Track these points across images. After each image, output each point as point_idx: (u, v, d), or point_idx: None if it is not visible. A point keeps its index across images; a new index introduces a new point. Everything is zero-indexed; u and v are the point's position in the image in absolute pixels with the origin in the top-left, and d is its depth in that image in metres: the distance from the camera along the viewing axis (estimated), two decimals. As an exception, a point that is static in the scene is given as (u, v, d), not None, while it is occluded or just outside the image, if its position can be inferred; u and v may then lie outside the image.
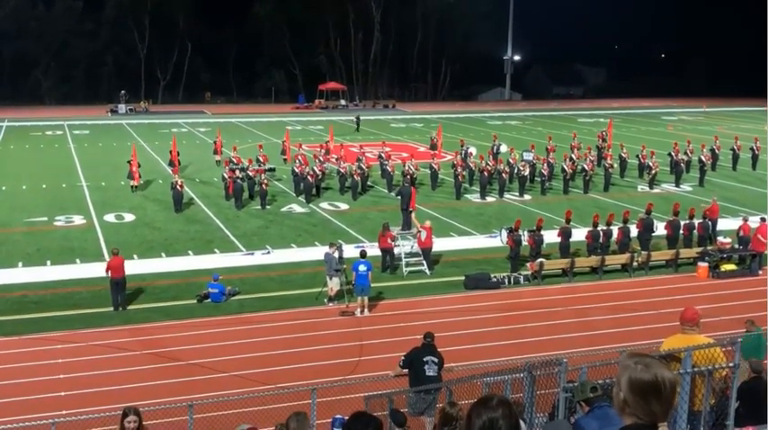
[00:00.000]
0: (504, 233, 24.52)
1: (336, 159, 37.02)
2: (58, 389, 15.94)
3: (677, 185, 36.94)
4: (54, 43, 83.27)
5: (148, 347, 18.16)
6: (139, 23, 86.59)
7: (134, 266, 22.65)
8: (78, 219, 30.11)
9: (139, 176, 35.47)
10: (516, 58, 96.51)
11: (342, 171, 35.11)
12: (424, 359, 13.70)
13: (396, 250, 24.01)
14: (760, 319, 18.97)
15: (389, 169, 35.99)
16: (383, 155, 38.00)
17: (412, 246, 24.59)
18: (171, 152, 39.25)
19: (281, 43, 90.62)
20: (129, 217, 30.52)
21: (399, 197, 29.47)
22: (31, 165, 42.24)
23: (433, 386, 13.22)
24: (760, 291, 22.27)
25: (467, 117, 68.34)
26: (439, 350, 14.13)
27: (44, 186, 36.34)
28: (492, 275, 22.93)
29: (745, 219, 25.75)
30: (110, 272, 20.50)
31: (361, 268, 20.27)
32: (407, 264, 23.90)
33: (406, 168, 34.09)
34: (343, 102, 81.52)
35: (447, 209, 32.22)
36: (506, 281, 22.90)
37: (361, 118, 62.01)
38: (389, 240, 23.65)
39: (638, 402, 3.02)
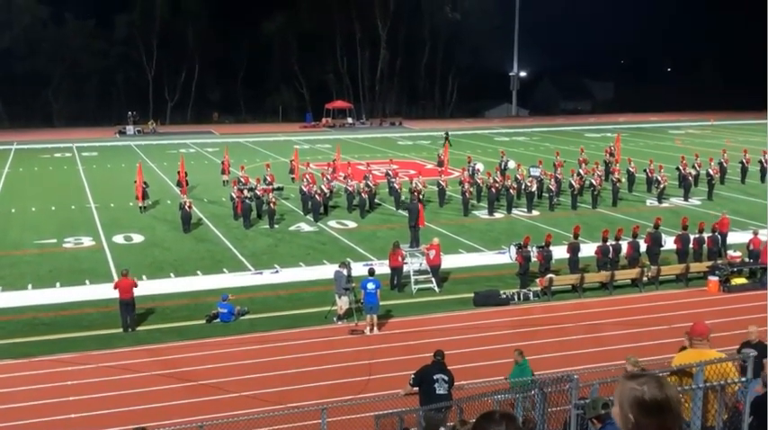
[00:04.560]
0: (513, 249, 24.47)
1: (344, 177, 37.10)
2: (68, 411, 15.95)
3: (686, 199, 36.85)
4: (65, 63, 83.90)
5: (159, 368, 18.16)
6: (148, 43, 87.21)
7: (143, 287, 22.66)
8: (87, 241, 30.21)
9: (144, 196, 35.50)
10: (522, 74, 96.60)
11: (349, 189, 35.17)
12: (435, 377, 13.66)
13: (404, 268, 23.98)
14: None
15: (397, 187, 36.04)
16: (390, 172, 38.06)
17: (421, 264, 24.56)
18: (179, 173, 39.40)
19: (288, 60, 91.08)
20: (137, 237, 30.60)
21: (407, 213, 29.53)
22: (41, 187, 42.44)
23: (444, 404, 13.16)
24: (771, 304, 22.16)
25: (474, 133, 68.42)
26: (449, 368, 14.09)
27: (53, 208, 36.51)
28: (501, 292, 22.88)
29: (755, 233, 25.66)
30: (118, 292, 20.57)
31: (370, 286, 20.27)
32: (416, 282, 23.87)
33: (414, 185, 34.14)
34: (350, 120, 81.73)
35: (455, 225, 32.20)
36: (516, 297, 22.85)
37: (372, 135, 62.09)
38: (400, 258, 23.64)
39: (649, 422, 3.03)
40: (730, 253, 25.36)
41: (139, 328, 20.73)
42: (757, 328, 14.15)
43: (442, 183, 36.42)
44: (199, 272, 25.89)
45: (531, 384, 13.58)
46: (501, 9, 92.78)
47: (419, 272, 24.30)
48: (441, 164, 43.84)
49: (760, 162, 41.63)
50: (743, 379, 7.43)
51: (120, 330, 20.45)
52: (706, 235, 25.67)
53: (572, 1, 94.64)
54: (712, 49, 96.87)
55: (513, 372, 15.18)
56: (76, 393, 16.74)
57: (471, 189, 35.44)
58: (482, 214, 34.43)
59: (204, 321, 21.13)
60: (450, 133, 61.91)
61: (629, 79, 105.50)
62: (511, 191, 34.83)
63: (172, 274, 25.61)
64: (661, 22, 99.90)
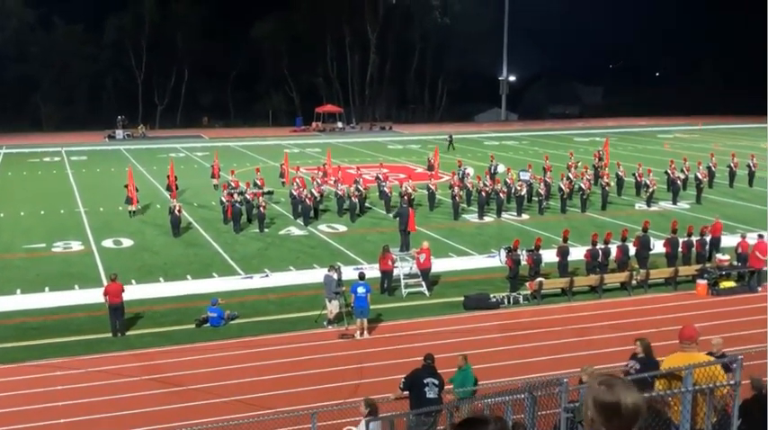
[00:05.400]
0: (503, 253, 24.53)
1: (334, 181, 37.11)
2: (57, 416, 15.87)
3: (674, 203, 37.01)
4: (54, 67, 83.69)
5: (148, 373, 18.10)
6: (137, 46, 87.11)
7: (133, 291, 22.62)
8: (76, 245, 30.09)
9: (137, 200, 35.51)
10: (512, 78, 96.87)
11: (339, 193, 35.17)
12: (425, 381, 13.66)
13: (395, 271, 24.00)
14: (759, 336, 19.00)
15: (387, 191, 36.06)
16: (381, 176, 38.08)
17: (411, 268, 24.58)
18: (168, 177, 39.34)
19: (278, 64, 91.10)
20: (127, 242, 30.51)
21: (398, 218, 29.58)
22: (30, 192, 42.28)
23: (434, 408, 13.17)
24: (759, 307, 22.27)
25: (464, 138, 68.49)
26: (439, 371, 14.10)
27: (42, 212, 36.35)
28: (491, 295, 22.92)
29: (743, 236, 25.80)
30: (107, 297, 20.50)
31: (360, 290, 20.26)
32: (406, 286, 23.88)
33: (404, 189, 34.16)
34: (340, 124, 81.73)
35: (445, 229, 32.24)
36: (506, 301, 22.89)
37: (362, 139, 62.13)
38: (390, 262, 23.65)
39: (602, 421, 3.27)
40: (719, 256, 25.47)
41: (129, 333, 20.65)
42: (721, 341, 14.05)
43: (432, 187, 36.47)
44: (188, 276, 25.83)
45: (472, 394, 13.61)
46: (490, 14, 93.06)
47: (409, 275, 24.31)
48: (431, 168, 43.93)
49: (748, 166, 41.84)
50: (731, 382, 7.47)
51: (110, 335, 20.38)
52: (695, 238, 25.79)
53: (562, 5, 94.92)
54: (712, 50, 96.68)
55: (455, 378, 15.00)
56: (65, 398, 16.66)
57: (461, 193, 35.49)
58: (472, 218, 34.49)
59: (194, 326, 21.07)
60: (452, 136, 62.50)
61: (617, 83, 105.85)
62: (501, 195, 34.91)
63: (161, 279, 25.54)
64: (655, 25, 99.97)
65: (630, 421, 3.24)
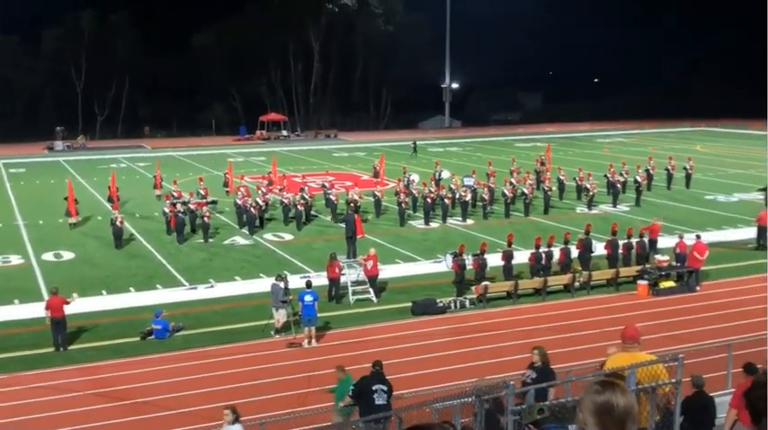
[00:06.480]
0: (449, 258, 24.72)
1: (279, 190, 36.93)
2: (-2, 434, 15.50)
3: (614, 206, 37.73)
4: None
5: (93, 387, 17.77)
6: (76, 57, 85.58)
7: (75, 305, 22.10)
8: (16, 259, 29.40)
9: (77, 212, 34.86)
10: (455, 85, 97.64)
11: (285, 201, 35.04)
12: (374, 388, 13.67)
13: (342, 279, 23.99)
14: (698, 335, 19.52)
15: (333, 198, 36.04)
16: (326, 184, 38.05)
17: (358, 275, 24.61)
18: (110, 188, 38.67)
19: (221, 75, 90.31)
20: (68, 255, 29.91)
21: (344, 225, 29.59)
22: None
23: (383, 415, 13.20)
24: (698, 306, 22.90)
25: (408, 145, 68.78)
26: (388, 377, 14.13)
27: (-21, 226, 35.43)
28: (438, 300, 23.07)
29: (681, 237, 26.43)
30: (49, 311, 20.08)
31: (308, 298, 20.22)
32: (354, 293, 23.90)
33: (350, 197, 34.19)
34: (284, 132, 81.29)
35: (391, 236, 32.35)
36: (452, 305, 23.06)
37: (308, 147, 61.90)
38: (337, 270, 23.65)
39: (595, 421, 3.33)
40: (658, 257, 26.04)
41: (72, 347, 20.25)
42: (542, 352, 13.61)
43: (378, 194, 36.56)
44: (131, 288, 25.44)
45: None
46: (433, 22, 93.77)
47: (357, 282, 24.34)
48: (377, 175, 44.04)
49: (684, 168, 42.87)
50: (673, 380, 7.66)
51: (52, 349, 19.95)
52: (634, 240, 26.34)
53: (505, 13, 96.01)
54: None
55: (337, 390, 14.85)
56: (7, 416, 16.25)
57: (407, 199, 35.66)
58: (418, 224, 34.68)
59: (138, 338, 20.77)
60: (416, 142, 62.85)
61: (556, 90, 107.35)
62: (446, 200, 35.16)
63: (104, 291, 25.10)
64: (587, 35, 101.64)
65: (622, 421, 3.31)
